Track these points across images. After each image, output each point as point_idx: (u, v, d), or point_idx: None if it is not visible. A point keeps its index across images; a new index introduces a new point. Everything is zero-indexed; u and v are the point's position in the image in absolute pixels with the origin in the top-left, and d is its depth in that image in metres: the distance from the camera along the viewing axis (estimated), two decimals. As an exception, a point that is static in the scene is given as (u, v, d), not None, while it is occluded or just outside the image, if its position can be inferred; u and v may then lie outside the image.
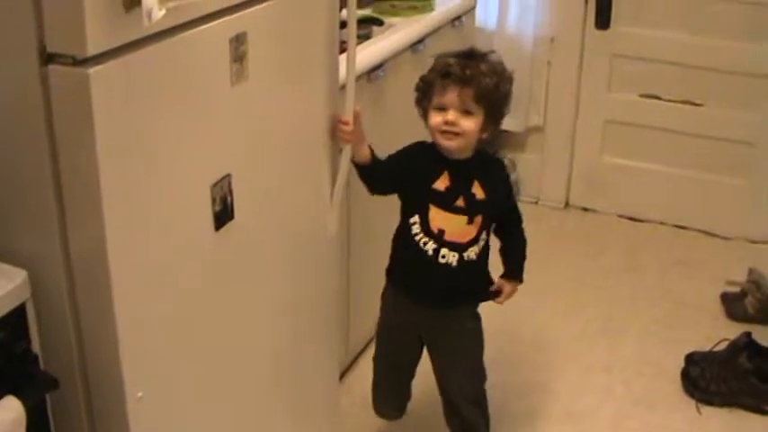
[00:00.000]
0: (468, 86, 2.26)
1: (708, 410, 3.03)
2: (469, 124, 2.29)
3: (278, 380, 2.20)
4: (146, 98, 1.52)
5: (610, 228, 4.22)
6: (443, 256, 2.37)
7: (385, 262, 2.66)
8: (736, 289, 3.57)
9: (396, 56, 2.91)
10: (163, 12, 1.43)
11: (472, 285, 2.49)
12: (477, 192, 2.37)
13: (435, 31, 3.25)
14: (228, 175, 1.77)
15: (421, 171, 2.37)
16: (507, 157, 4.32)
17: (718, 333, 3.26)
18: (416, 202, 2.38)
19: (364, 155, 2.30)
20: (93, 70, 1.39)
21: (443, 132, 2.30)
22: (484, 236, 2.42)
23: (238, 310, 1.94)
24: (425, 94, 2.35)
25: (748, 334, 3.12)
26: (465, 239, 2.38)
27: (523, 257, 2.60)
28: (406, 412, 2.77)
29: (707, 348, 3.19)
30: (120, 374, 1.58)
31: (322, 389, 2.47)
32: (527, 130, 4.30)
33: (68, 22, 1.37)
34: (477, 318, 2.56)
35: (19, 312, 1.52)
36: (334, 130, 2.19)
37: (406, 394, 2.72)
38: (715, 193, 4.09)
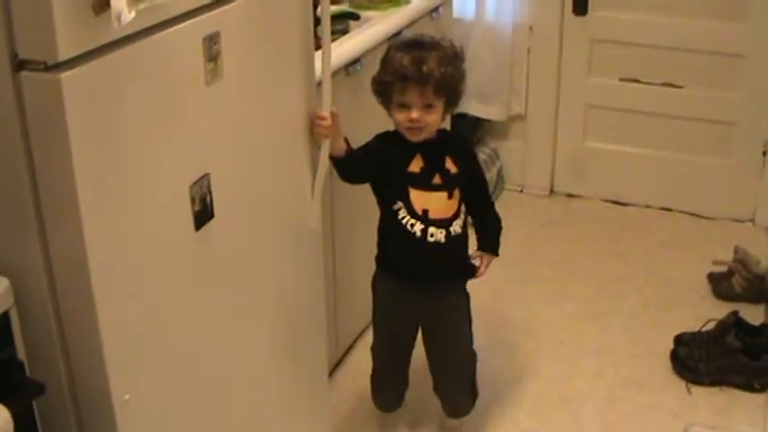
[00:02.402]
0: (427, 84, 2.33)
1: (698, 390, 3.05)
2: (433, 118, 2.39)
3: (265, 378, 2.20)
4: (120, 101, 1.52)
5: (595, 213, 4.23)
6: (432, 235, 2.43)
7: (371, 255, 2.67)
8: (722, 268, 3.59)
9: (373, 49, 2.90)
10: (133, 14, 1.43)
11: (461, 259, 2.56)
12: (451, 167, 2.46)
13: (413, 23, 3.25)
14: (207, 175, 1.77)
15: (394, 158, 2.44)
16: (490, 146, 4.33)
17: (706, 313, 3.28)
18: (396, 188, 2.44)
19: (340, 148, 2.33)
20: (65, 75, 1.39)
21: (409, 129, 2.40)
22: (463, 208, 2.49)
23: (222, 310, 1.94)
24: (385, 94, 2.42)
25: (736, 313, 3.14)
26: (449, 214, 2.45)
27: (497, 231, 2.64)
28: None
29: (695, 329, 3.20)
30: (105, 378, 1.59)
31: (311, 385, 2.48)
32: (509, 119, 4.30)
33: (38, 29, 1.37)
34: (468, 296, 2.62)
35: (2, 320, 1.52)
36: (312, 126, 2.19)
37: (404, 381, 2.76)
38: (698, 174, 4.10)
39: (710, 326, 3.16)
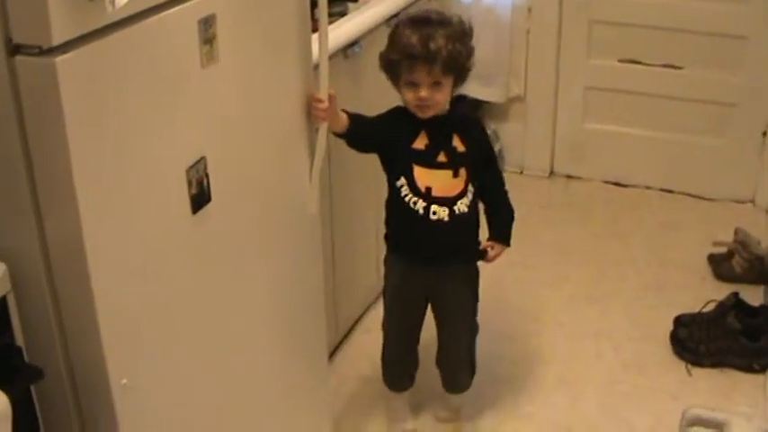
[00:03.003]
0: (435, 63, 2.32)
1: (698, 371, 3.05)
2: (441, 96, 2.38)
3: (265, 361, 2.20)
4: (115, 85, 1.51)
5: (595, 194, 4.23)
6: (434, 213, 2.42)
7: (370, 238, 2.68)
8: (722, 249, 3.59)
9: (371, 31, 2.90)
10: (127, -3, 1.43)
11: (466, 239, 2.55)
12: (458, 145, 2.44)
13: (411, 4, 3.23)
14: (204, 158, 1.77)
15: (399, 134, 2.43)
16: (490, 128, 4.32)
17: (706, 294, 3.28)
18: (400, 164, 2.43)
19: (341, 125, 2.34)
20: (59, 59, 1.38)
21: (418, 106, 2.39)
22: (471, 188, 2.47)
23: (220, 293, 1.93)
24: (393, 72, 2.41)
25: (736, 294, 3.14)
26: (453, 193, 2.43)
27: (509, 220, 2.63)
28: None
29: (695, 310, 3.20)
30: (103, 362, 1.58)
31: (311, 369, 2.48)
32: (509, 101, 4.29)
33: (33, 13, 1.36)
34: (476, 272, 2.62)
35: (0, 306, 1.52)
36: (309, 109, 2.18)
37: (414, 360, 2.76)
38: (698, 156, 4.09)
39: (710, 307, 3.17)
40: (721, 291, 3.28)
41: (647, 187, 4.22)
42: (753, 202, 4.07)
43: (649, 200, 4.16)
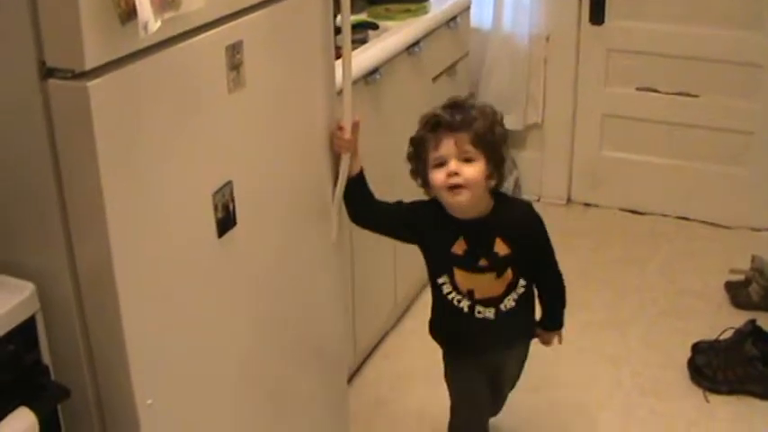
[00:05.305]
0: (461, 131, 2.17)
1: (715, 398, 3.05)
2: (473, 172, 2.17)
3: (285, 384, 2.21)
4: (145, 109, 1.54)
5: (612, 222, 4.23)
6: (479, 312, 2.32)
7: (389, 263, 2.68)
8: (739, 277, 3.58)
9: (392, 59, 2.92)
10: (159, 23, 1.45)
11: (519, 327, 2.45)
12: (501, 249, 2.27)
13: (431, 32, 3.27)
14: (230, 182, 1.79)
15: (437, 236, 2.30)
16: (508, 156, 4.33)
17: (723, 321, 3.28)
18: (440, 264, 2.33)
19: (355, 168, 2.25)
20: (92, 83, 1.41)
21: (449, 189, 2.19)
22: (522, 282, 2.33)
23: (244, 316, 1.95)
24: (419, 155, 2.26)
25: (753, 321, 3.13)
26: (497, 293, 2.32)
27: (560, 305, 2.55)
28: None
29: (713, 337, 3.20)
30: (129, 382, 1.60)
31: (330, 392, 2.49)
32: (526, 128, 4.30)
33: (66, 37, 1.39)
34: (529, 345, 2.57)
35: (29, 324, 1.54)
36: (332, 138, 2.19)
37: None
38: (715, 183, 4.10)
39: (728, 334, 3.16)
40: (738, 318, 3.27)
41: (664, 215, 4.23)
42: (770, 229, 4.07)
43: (666, 227, 4.16)
